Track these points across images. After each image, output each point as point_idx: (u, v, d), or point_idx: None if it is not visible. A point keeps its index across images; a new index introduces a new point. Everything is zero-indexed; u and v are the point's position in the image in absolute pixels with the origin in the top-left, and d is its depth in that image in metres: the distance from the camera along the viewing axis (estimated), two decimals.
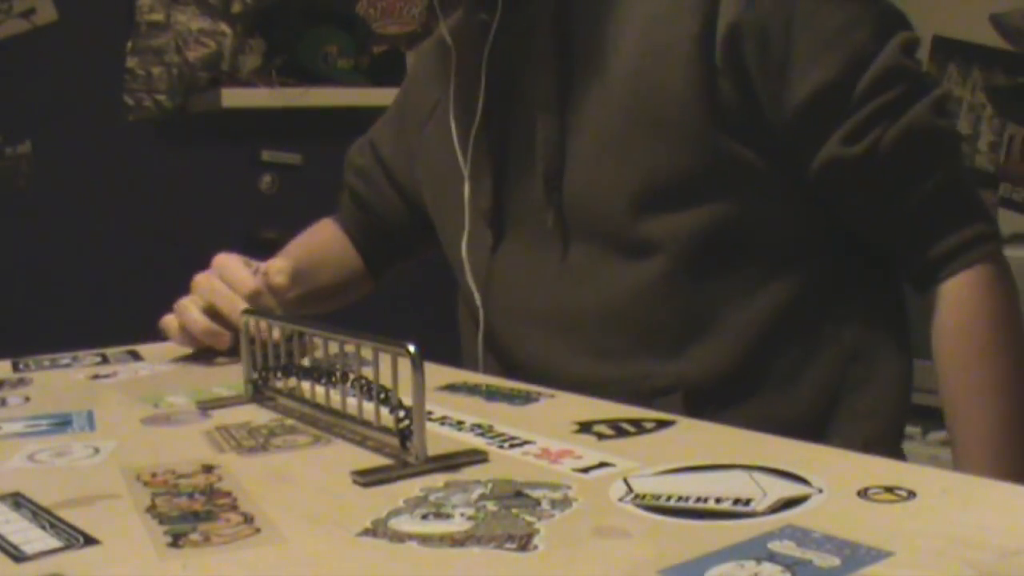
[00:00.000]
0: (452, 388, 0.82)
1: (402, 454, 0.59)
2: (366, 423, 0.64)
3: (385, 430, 0.62)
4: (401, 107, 1.23)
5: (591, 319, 0.94)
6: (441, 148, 1.07)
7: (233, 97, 2.47)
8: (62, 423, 0.75)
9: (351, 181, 1.27)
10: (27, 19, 2.36)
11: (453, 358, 0.89)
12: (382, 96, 2.75)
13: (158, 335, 1.15)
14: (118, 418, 0.77)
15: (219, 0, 2.54)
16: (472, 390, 0.82)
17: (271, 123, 2.63)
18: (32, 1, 2.35)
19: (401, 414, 0.59)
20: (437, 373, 0.84)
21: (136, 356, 1.06)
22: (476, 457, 0.60)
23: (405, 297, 2.91)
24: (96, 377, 0.95)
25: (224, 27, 2.55)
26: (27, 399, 0.85)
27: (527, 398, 0.78)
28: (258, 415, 0.75)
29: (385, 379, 0.61)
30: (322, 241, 1.28)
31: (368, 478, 0.56)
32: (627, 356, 0.92)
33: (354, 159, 1.28)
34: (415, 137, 1.15)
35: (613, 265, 0.92)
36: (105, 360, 1.04)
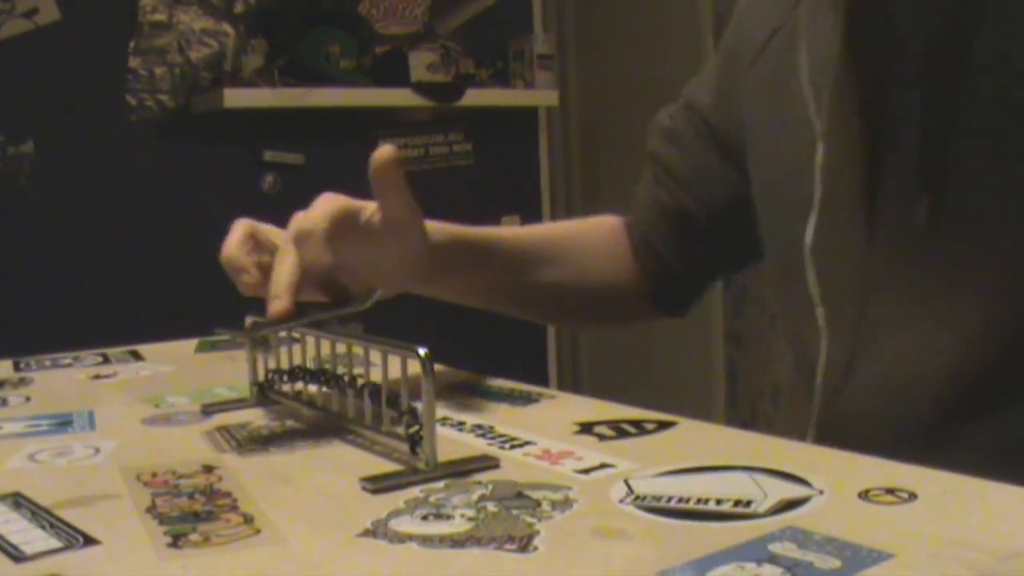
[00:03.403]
0: (453, 388, 0.82)
1: (412, 459, 0.59)
2: (374, 427, 0.64)
3: (393, 434, 0.61)
4: (728, 46, 0.90)
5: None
6: (778, 92, 0.78)
7: (235, 97, 2.47)
8: (63, 423, 0.75)
9: (657, 148, 0.94)
10: (30, 19, 2.36)
11: (454, 358, 0.88)
12: (384, 96, 2.77)
13: (159, 335, 1.15)
14: (119, 418, 0.77)
15: (221, 0, 2.54)
16: (473, 391, 0.81)
17: (273, 123, 2.63)
18: (35, 1, 2.36)
19: (411, 419, 0.59)
20: (438, 373, 0.84)
21: (137, 356, 1.06)
22: (487, 463, 0.59)
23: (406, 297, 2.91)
24: (97, 377, 0.95)
25: (226, 27, 2.55)
26: (28, 399, 0.85)
27: (528, 399, 0.78)
28: (259, 416, 0.75)
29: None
30: (586, 231, 0.97)
31: (378, 484, 0.56)
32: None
33: (661, 122, 0.95)
34: (744, 79, 0.85)
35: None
36: (106, 360, 1.04)
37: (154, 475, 0.60)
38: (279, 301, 0.67)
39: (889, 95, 0.70)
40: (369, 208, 0.75)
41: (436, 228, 0.82)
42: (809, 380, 0.75)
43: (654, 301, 0.97)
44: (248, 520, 0.51)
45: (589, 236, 0.96)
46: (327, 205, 0.73)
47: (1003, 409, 0.65)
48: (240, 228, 0.78)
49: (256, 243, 0.77)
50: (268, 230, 0.79)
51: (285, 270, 0.69)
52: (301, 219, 0.73)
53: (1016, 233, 0.65)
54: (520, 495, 0.53)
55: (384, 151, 0.72)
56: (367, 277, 0.76)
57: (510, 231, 0.92)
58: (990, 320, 0.66)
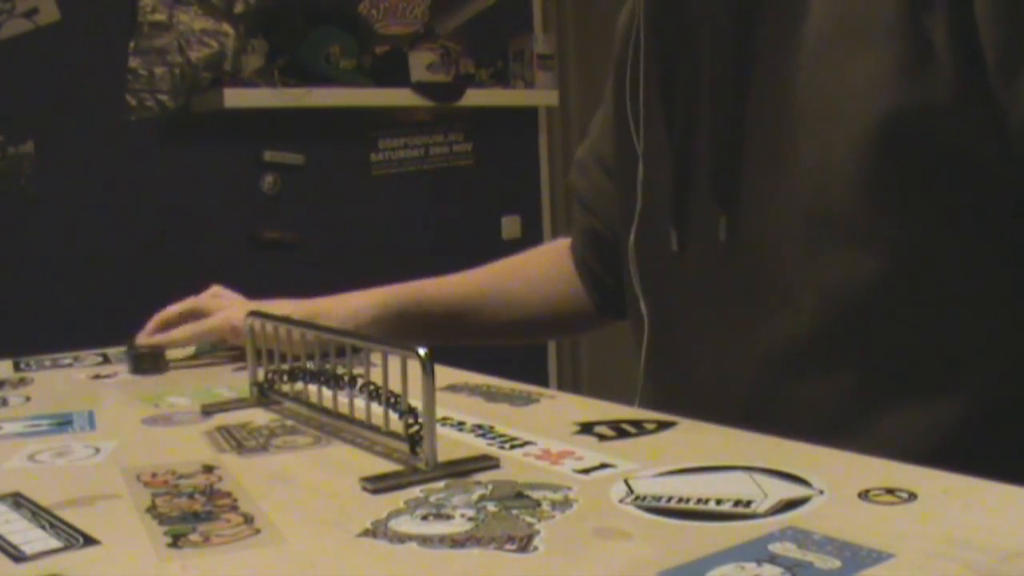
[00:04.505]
0: (453, 388, 0.82)
1: (412, 459, 0.59)
2: (374, 427, 0.64)
3: (393, 434, 0.61)
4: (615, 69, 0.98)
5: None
6: (616, 115, 0.90)
7: (235, 97, 2.47)
8: (63, 423, 0.75)
9: (572, 180, 1.08)
10: (30, 19, 2.36)
11: (454, 358, 0.88)
12: (384, 96, 2.77)
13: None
14: (119, 418, 0.77)
15: (222, 0, 2.54)
16: (473, 390, 0.82)
17: (273, 123, 2.63)
18: (35, 1, 2.36)
19: (411, 419, 0.59)
20: (438, 373, 0.84)
21: None
22: (487, 463, 0.59)
23: None
24: (97, 377, 0.95)
25: (227, 27, 2.55)
26: (28, 399, 0.85)
27: (528, 399, 0.78)
28: (259, 416, 0.75)
29: (393, 381, 0.61)
30: (526, 264, 1.10)
31: (378, 484, 0.56)
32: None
33: (577, 154, 1.08)
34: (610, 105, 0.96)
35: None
36: (106, 360, 1.04)
37: (154, 475, 0.60)
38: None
39: (692, 113, 0.79)
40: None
41: (362, 311, 0.98)
42: (637, 358, 0.87)
43: (599, 310, 1.06)
44: (248, 520, 0.51)
45: (530, 268, 1.09)
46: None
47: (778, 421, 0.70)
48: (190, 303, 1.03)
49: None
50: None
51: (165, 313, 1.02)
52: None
53: (795, 247, 0.73)
54: (520, 495, 0.53)
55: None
56: None
57: (440, 288, 1.05)
58: (776, 337, 0.74)
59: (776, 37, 0.74)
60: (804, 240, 0.72)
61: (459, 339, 1.06)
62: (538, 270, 1.08)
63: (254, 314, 0.78)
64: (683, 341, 0.83)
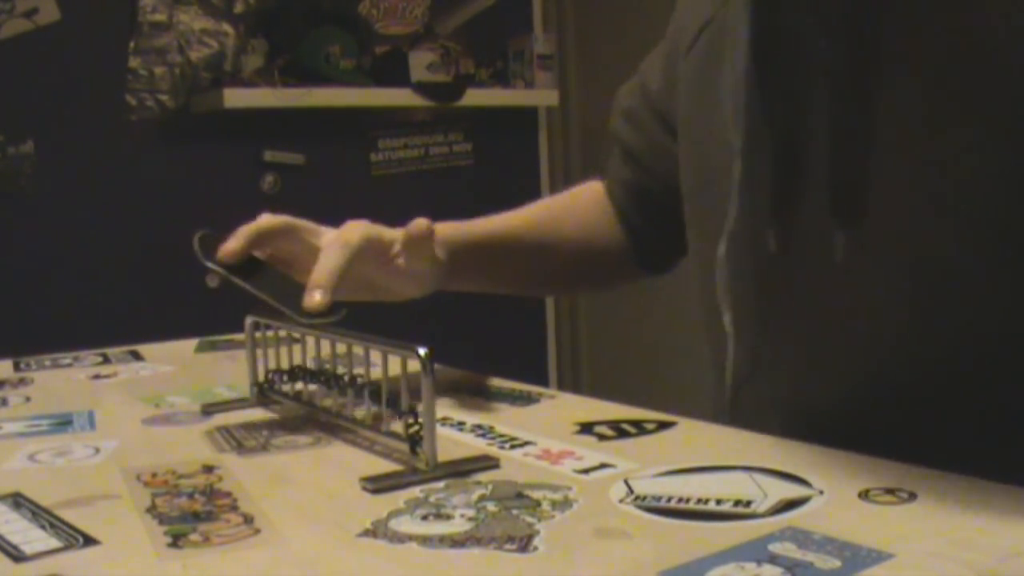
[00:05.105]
0: (453, 388, 0.82)
1: (412, 460, 0.59)
2: (374, 427, 0.64)
3: (393, 434, 0.61)
4: (671, 30, 0.90)
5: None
6: (704, 92, 0.78)
7: (235, 97, 2.47)
8: (63, 423, 0.75)
9: (617, 128, 0.97)
10: (30, 19, 2.36)
11: (454, 358, 0.88)
12: (384, 96, 2.77)
13: (159, 335, 1.15)
14: (119, 418, 0.77)
15: (221, 0, 2.54)
16: (473, 390, 0.82)
17: (273, 123, 2.63)
18: (35, 1, 2.36)
19: (411, 419, 0.59)
20: (438, 373, 0.84)
21: (137, 356, 1.06)
22: (487, 463, 0.59)
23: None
24: (97, 377, 0.95)
25: (227, 27, 2.55)
26: (28, 399, 0.85)
27: (528, 399, 0.78)
28: (259, 416, 0.75)
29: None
30: (574, 205, 0.99)
31: (378, 484, 0.56)
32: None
33: (622, 100, 0.97)
34: (681, 67, 0.84)
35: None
36: (106, 360, 1.04)
37: (154, 475, 0.60)
38: (321, 293, 0.69)
39: (802, 116, 0.69)
40: (394, 243, 0.81)
41: (448, 242, 0.86)
42: (720, 377, 0.78)
43: (638, 261, 0.99)
44: (248, 520, 0.51)
45: (581, 205, 0.99)
46: (360, 228, 0.77)
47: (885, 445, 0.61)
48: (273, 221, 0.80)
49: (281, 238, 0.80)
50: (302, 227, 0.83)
51: (334, 263, 0.72)
52: (340, 232, 0.77)
53: (925, 261, 0.65)
54: (520, 495, 0.53)
55: (419, 225, 0.79)
56: (376, 294, 0.83)
57: (514, 221, 0.95)
58: (887, 357, 0.67)
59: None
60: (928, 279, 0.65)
61: (524, 283, 0.99)
62: (588, 207, 0.99)
63: (254, 315, 0.78)
64: (776, 359, 0.74)
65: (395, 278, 0.81)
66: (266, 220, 0.79)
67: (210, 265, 0.72)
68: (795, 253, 0.70)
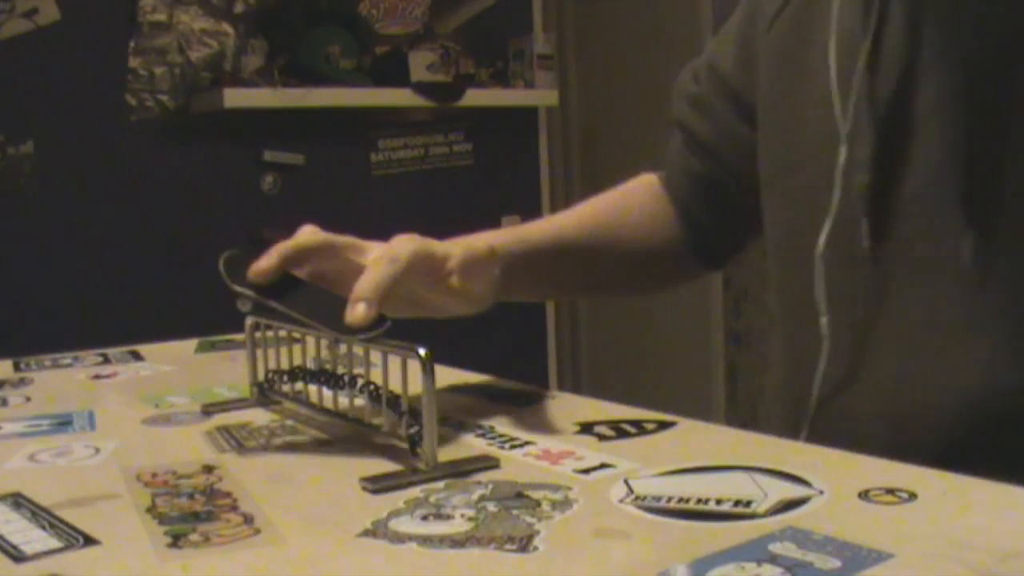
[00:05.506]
0: (453, 388, 0.82)
1: (412, 460, 0.59)
2: (374, 427, 0.64)
3: (393, 434, 0.61)
4: (748, 5, 0.85)
5: None
6: (790, 69, 0.75)
7: (235, 97, 2.47)
8: (63, 423, 0.75)
9: (683, 116, 0.91)
10: (30, 19, 2.36)
11: (454, 358, 0.88)
12: (384, 96, 2.77)
13: (159, 335, 1.15)
14: (119, 418, 0.77)
15: (221, 0, 2.54)
16: (473, 391, 0.82)
17: (273, 123, 2.63)
18: (35, 1, 2.36)
19: (411, 419, 0.59)
20: (438, 373, 0.84)
21: (137, 356, 1.06)
22: (487, 463, 0.59)
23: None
24: (97, 377, 0.95)
25: (227, 27, 2.55)
26: (28, 399, 0.85)
27: (528, 399, 0.78)
28: (259, 416, 0.75)
29: (394, 381, 0.61)
30: (627, 203, 0.93)
31: (378, 484, 0.56)
32: None
33: (686, 86, 0.91)
34: (761, 43, 0.81)
35: None
36: (106, 360, 1.04)
37: (154, 475, 0.60)
38: (366, 306, 0.61)
39: (916, 106, 0.66)
40: (448, 259, 0.71)
41: (502, 255, 0.78)
42: (803, 384, 0.73)
43: (696, 258, 0.94)
44: (248, 520, 0.51)
45: (635, 203, 0.94)
46: (410, 242, 0.69)
47: (1008, 458, 0.57)
48: (314, 238, 0.71)
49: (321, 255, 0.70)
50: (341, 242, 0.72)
51: (381, 276, 0.64)
52: (388, 247, 0.69)
53: None
54: (520, 495, 0.53)
55: (481, 249, 0.73)
56: (422, 311, 0.75)
57: (566, 225, 0.90)
58: (996, 383, 0.63)
59: None
60: None
61: (577, 289, 0.94)
62: (643, 204, 0.93)
63: (255, 316, 0.78)
64: (879, 370, 0.69)
65: (447, 297, 0.73)
66: (304, 237, 0.70)
67: (239, 289, 0.64)
68: (912, 254, 0.66)
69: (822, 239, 0.69)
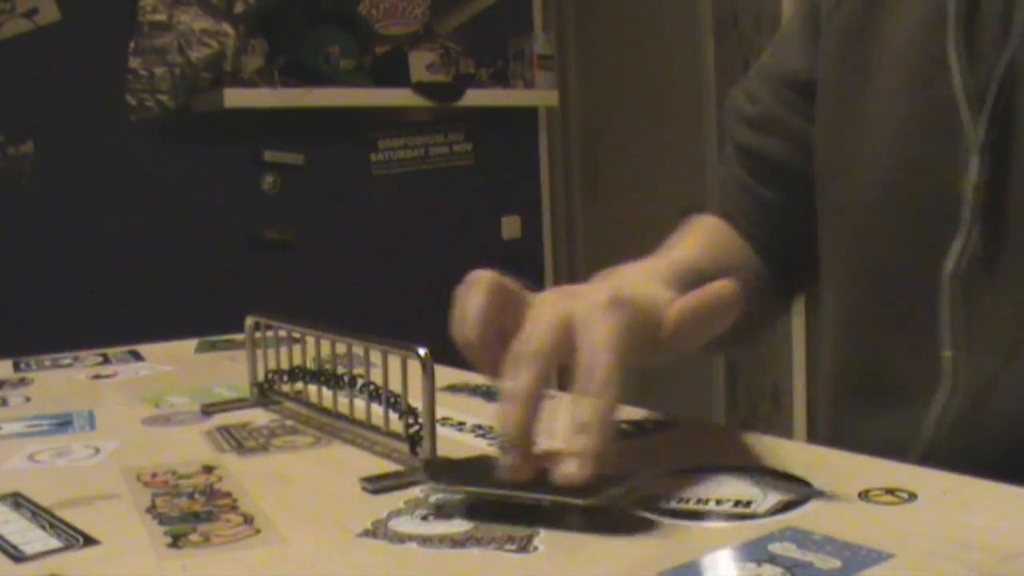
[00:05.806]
0: (453, 389, 0.82)
1: (412, 460, 0.59)
2: (374, 427, 0.64)
3: (393, 434, 0.61)
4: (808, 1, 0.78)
5: None
6: (857, 57, 0.69)
7: (235, 97, 2.47)
8: (63, 423, 0.75)
9: (745, 140, 0.81)
10: (30, 19, 2.36)
11: (454, 358, 0.87)
12: (384, 96, 2.77)
13: (159, 335, 1.15)
14: (119, 418, 0.77)
15: (221, 0, 2.55)
16: (473, 391, 0.81)
17: (273, 123, 2.63)
18: (35, 1, 2.36)
19: (411, 419, 0.59)
20: (437, 373, 0.84)
21: (137, 356, 1.06)
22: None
23: (406, 296, 2.91)
24: (97, 377, 0.95)
25: (227, 27, 2.55)
26: (28, 399, 0.85)
27: None
28: (259, 416, 0.75)
29: (394, 381, 0.61)
30: (724, 249, 0.80)
31: (378, 484, 0.56)
32: None
33: (742, 110, 0.82)
34: (825, 26, 0.74)
35: None
36: (106, 360, 1.04)
37: (154, 475, 0.60)
38: (518, 460, 0.50)
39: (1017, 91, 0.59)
40: (662, 319, 0.56)
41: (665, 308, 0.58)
42: (902, 423, 0.65)
43: (780, 293, 0.84)
44: (248, 520, 0.51)
45: (720, 240, 0.81)
46: (623, 313, 0.52)
47: None
48: (483, 292, 0.55)
49: (501, 305, 0.56)
50: (515, 289, 0.57)
51: (521, 418, 0.51)
52: (528, 339, 0.53)
53: None
54: None
55: (728, 289, 0.55)
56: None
57: (694, 255, 0.74)
58: None
59: None
60: None
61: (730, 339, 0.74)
62: (733, 247, 0.81)
63: (255, 317, 0.78)
64: (1011, 399, 0.61)
65: (652, 359, 0.57)
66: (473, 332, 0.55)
67: (454, 489, 0.53)
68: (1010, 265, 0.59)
69: (951, 261, 0.61)
